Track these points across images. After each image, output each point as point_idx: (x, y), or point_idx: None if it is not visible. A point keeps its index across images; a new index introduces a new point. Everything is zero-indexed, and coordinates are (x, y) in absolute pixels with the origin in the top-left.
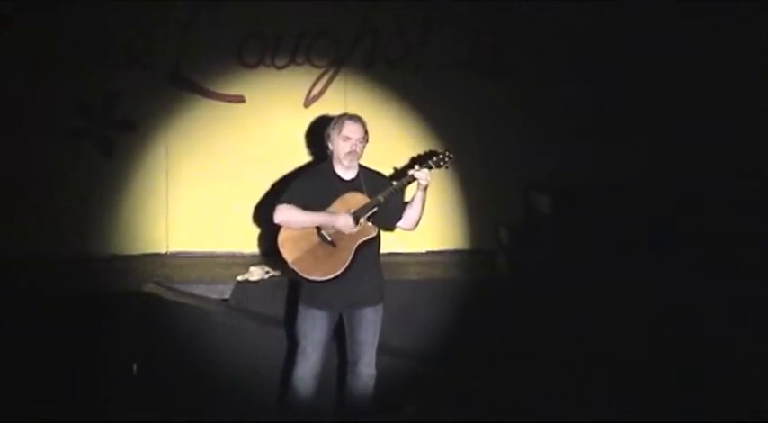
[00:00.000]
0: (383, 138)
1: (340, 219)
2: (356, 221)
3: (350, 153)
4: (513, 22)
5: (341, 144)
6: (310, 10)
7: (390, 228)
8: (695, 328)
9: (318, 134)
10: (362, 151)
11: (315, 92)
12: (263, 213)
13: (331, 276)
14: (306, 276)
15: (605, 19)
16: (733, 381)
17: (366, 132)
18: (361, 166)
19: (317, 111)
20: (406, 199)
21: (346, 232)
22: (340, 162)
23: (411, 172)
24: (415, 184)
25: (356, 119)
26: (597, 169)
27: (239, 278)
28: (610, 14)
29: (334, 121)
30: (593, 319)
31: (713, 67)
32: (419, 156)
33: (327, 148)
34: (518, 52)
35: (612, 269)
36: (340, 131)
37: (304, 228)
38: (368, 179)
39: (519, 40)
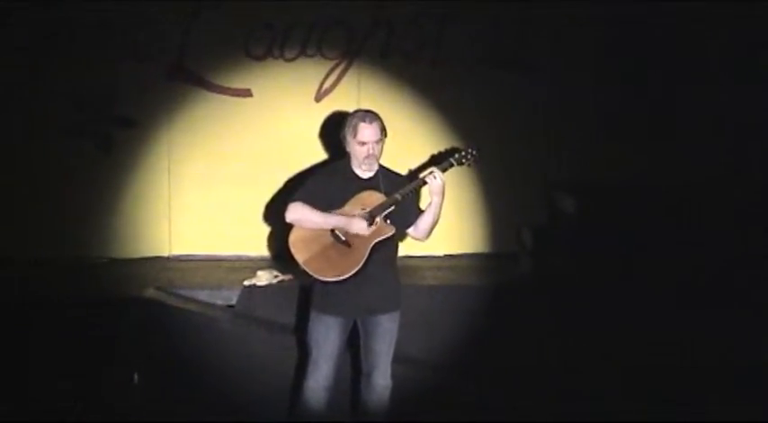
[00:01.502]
0: (398, 133)
1: (354, 223)
2: (372, 220)
3: (368, 157)
4: (533, 17)
5: (357, 149)
6: None
7: (401, 236)
8: (726, 331)
9: (330, 130)
10: (382, 150)
11: (327, 85)
12: (272, 213)
13: (344, 277)
14: (318, 277)
15: (630, 13)
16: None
17: (383, 129)
18: (380, 166)
19: (329, 105)
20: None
21: (361, 235)
22: (359, 165)
23: (422, 175)
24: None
25: (370, 119)
26: (622, 168)
27: (246, 283)
28: (635, 9)
29: (347, 121)
30: (621, 324)
31: (742, 68)
32: (440, 153)
33: (344, 146)
34: (539, 47)
35: (641, 272)
36: (354, 136)
37: (316, 228)
38: (386, 178)
39: (540, 35)
